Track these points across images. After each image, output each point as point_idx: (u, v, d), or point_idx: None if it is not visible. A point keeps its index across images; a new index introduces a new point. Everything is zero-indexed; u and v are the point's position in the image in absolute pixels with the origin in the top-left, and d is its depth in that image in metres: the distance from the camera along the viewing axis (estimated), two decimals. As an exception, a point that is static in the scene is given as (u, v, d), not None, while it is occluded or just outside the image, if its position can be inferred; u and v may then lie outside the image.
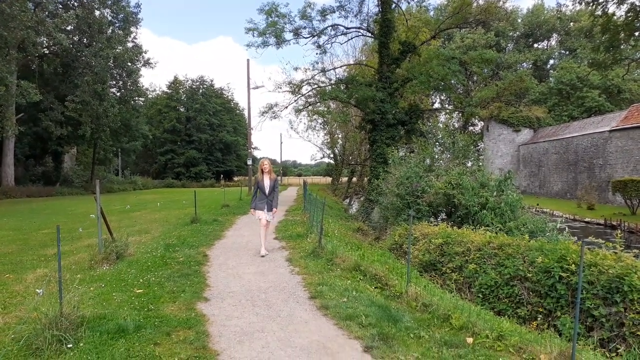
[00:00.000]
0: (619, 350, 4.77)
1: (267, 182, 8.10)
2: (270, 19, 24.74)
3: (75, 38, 33.08)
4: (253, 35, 24.96)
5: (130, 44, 38.39)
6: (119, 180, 46.91)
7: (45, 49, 32.58)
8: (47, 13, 30.18)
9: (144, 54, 39.17)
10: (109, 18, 36.35)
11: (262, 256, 7.96)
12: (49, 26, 26.73)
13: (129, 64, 37.00)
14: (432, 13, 41.56)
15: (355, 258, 7.42)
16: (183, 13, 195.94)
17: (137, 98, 40.33)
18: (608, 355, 4.68)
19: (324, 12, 25.80)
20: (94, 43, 32.16)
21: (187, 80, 70.46)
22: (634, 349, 4.60)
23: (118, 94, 38.20)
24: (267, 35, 24.80)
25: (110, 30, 35.69)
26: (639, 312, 4.85)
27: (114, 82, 37.91)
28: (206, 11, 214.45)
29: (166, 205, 20.97)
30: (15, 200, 26.16)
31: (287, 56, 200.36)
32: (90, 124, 32.90)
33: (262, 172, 8.15)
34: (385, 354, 3.79)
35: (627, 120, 28.59)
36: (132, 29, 38.63)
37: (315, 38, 26.52)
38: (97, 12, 33.38)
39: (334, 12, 26.10)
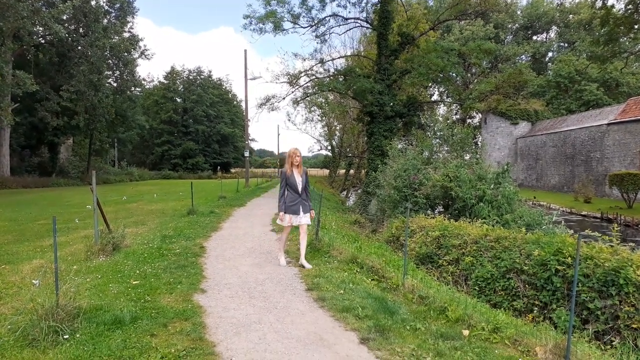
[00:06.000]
0: (613, 343, 4.80)
1: (299, 178, 6.56)
2: (269, 8, 24.49)
3: (71, 27, 32.74)
4: (251, 23, 24.76)
5: (126, 34, 38.11)
6: (115, 171, 46.72)
7: (41, 39, 32.28)
8: (42, 2, 29.83)
9: (140, 42, 38.90)
10: (105, 7, 36.00)
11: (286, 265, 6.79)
12: (45, 16, 26.44)
13: (125, 54, 36.71)
14: (431, 3, 41.41)
15: (352, 250, 7.42)
16: (184, 2, 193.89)
17: (133, 88, 40.09)
18: (603, 348, 4.71)
19: (323, 0, 25.54)
20: (90, 33, 31.82)
21: (185, 71, 70.03)
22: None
23: (114, 84, 37.94)
24: (266, 22, 24.54)
25: (106, 20, 35.36)
26: (634, 305, 4.88)
27: (110, 72, 37.66)
28: (208, 0, 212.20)
29: (163, 196, 20.92)
30: (10, 190, 26.05)
31: (285, 46, 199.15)
32: (85, 114, 32.68)
33: (292, 165, 6.55)
34: (382, 345, 3.80)
35: (624, 113, 28.59)
36: (129, 18, 38.37)
37: (314, 28, 26.34)
38: (93, 2, 33.02)
39: (333, 0, 25.89)
